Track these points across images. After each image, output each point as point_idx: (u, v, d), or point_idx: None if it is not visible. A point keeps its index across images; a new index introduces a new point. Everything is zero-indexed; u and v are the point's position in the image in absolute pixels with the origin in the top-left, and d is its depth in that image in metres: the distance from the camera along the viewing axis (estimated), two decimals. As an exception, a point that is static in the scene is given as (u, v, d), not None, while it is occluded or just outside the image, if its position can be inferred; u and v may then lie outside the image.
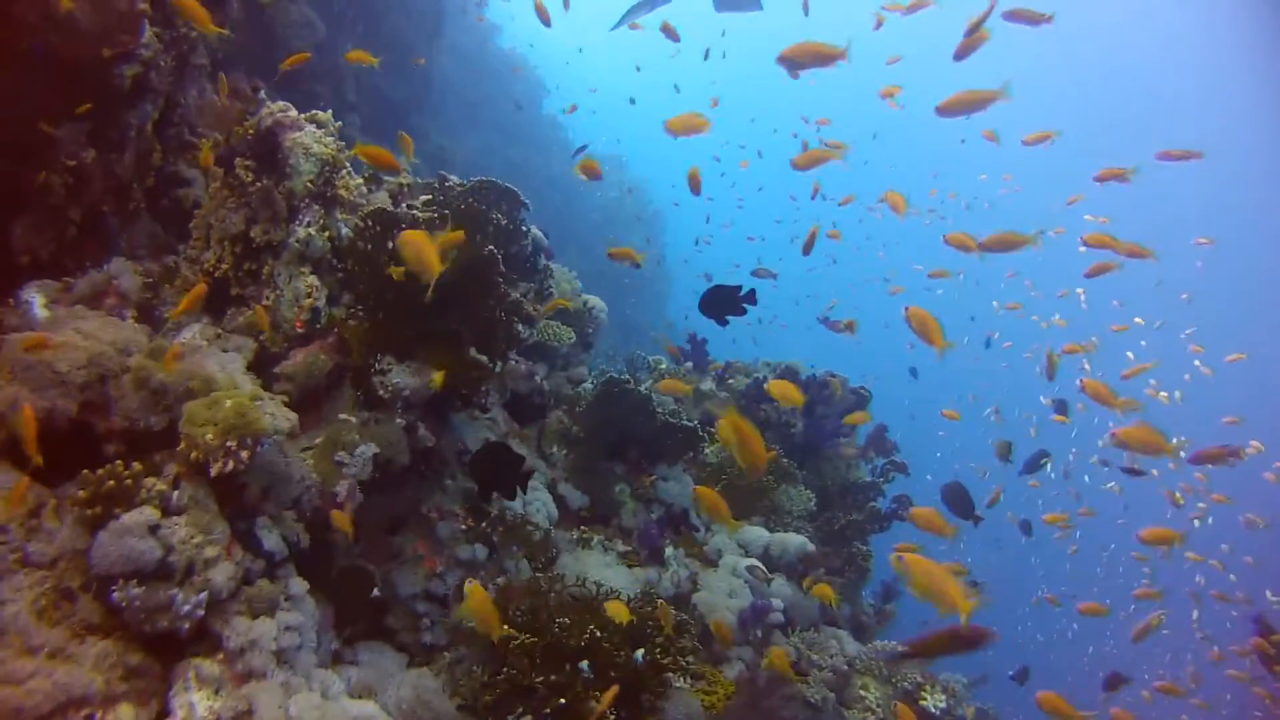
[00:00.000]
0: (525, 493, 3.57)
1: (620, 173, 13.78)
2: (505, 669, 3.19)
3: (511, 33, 12.13)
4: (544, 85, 11.58)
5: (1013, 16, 5.03)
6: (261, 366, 3.29)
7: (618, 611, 3.03)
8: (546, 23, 5.16)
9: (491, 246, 3.24)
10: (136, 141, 3.86)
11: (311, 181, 3.29)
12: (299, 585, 2.73)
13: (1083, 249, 5.25)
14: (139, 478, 2.41)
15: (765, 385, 3.78)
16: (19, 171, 3.34)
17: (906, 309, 3.30)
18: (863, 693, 4.46)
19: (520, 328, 3.59)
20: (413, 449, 3.46)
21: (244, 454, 2.48)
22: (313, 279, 3.32)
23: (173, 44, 3.96)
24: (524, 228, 3.76)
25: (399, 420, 3.36)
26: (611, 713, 2.88)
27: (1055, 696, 3.40)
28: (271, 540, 2.65)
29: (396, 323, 3.39)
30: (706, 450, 4.92)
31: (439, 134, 9.83)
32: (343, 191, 3.35)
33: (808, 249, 4.54)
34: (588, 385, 4.72)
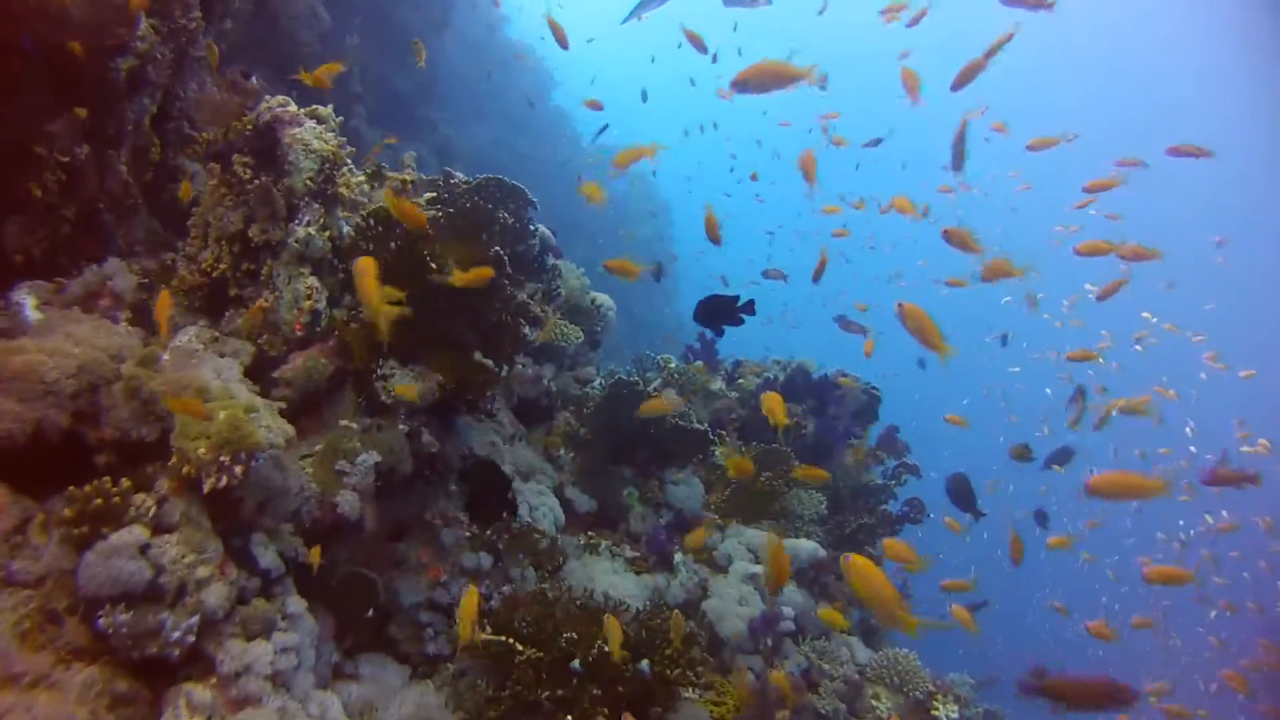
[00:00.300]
0: (513, 513, 3.45)
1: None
2: (511, 683, 3.07)
3: (520, 24, 11.90)
4: (552, 77, 11.35)
5: (1012, 1, 4.82)
6: (260, 370, 3.16)
7: (615, 635, 2.90)
8: (564, 46, 4.95)
9: (498, 248, 3.09)
10: (134, 136, 3.72)
11: (311, 179, 3.13)
12: (297, 603, 2.60)
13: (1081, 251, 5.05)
14: (128, 495, 2.28)
15: (760, 396, 3.59)
16: (10, 169, 3.20)
17: (899, 305, 2.93)
18: (874, 702, 4.33)
19: (527, 330, 3.44)
20: (416, 455, 3.32)
21: (238, 469, 2.34)
22: (313, 280, 3.18)
23: (170, 36, 3.80)
24: (531, 226, 3.60)
25: (402, 426, 3.22)
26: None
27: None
28: (267, 557, 2.52)
29: (400, 325, 3.24)
30: (717, 452, 4.77)
31: (446, 125, 9.65)
32: (344, 189, 3.19)
33: (817, 276, 4.35)
34: (596, 386, 4.57)
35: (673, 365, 5.27)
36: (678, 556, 4.23)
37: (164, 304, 2.48)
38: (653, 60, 9.26)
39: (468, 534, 3.55)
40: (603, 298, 4.82)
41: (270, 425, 2.45)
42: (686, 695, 3.42)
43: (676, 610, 3.26)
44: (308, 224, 3.14)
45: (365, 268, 2.47)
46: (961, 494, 4.87)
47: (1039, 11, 4.70)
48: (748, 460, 4.28)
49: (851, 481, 5.37)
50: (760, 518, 4.72)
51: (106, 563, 2.17)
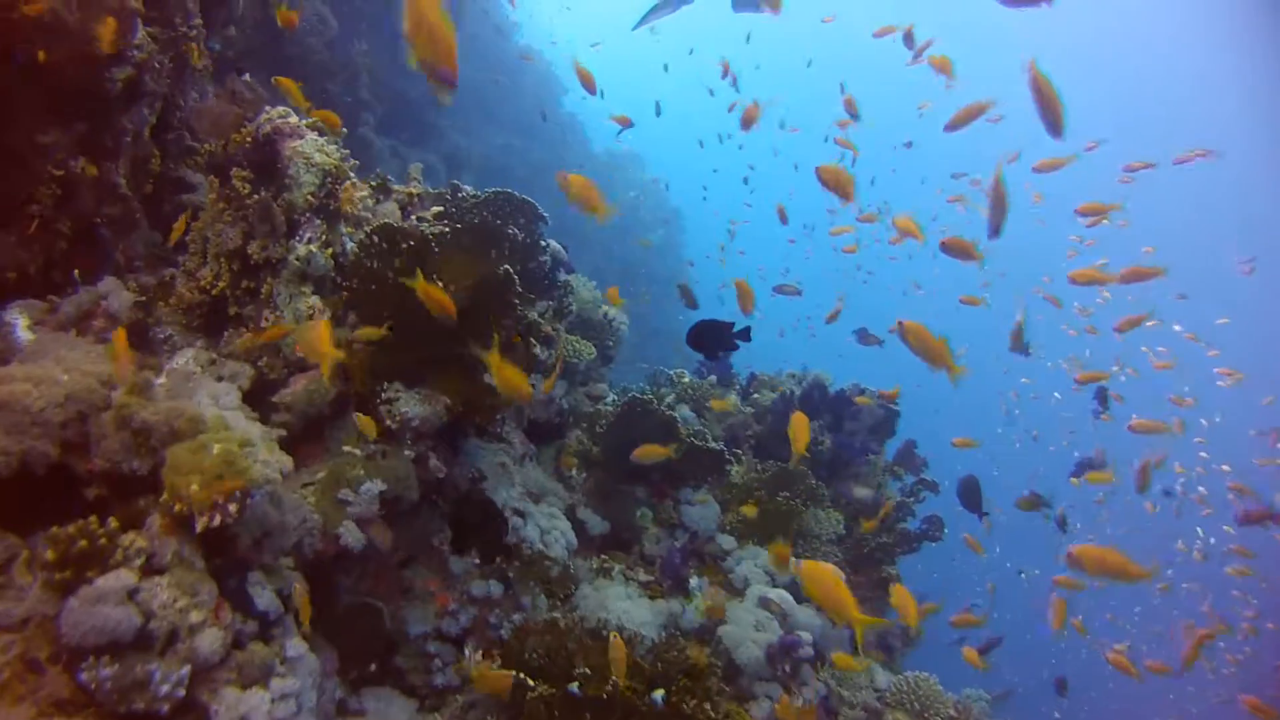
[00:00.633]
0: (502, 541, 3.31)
1: (640, 171, 13.38)
2: (522, 718, 2.91)
3: (530, 30, 11.73)
4: (562, 83, 11.18)
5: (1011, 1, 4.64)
6: (260, 394, 3.00)
7: (619, 659, 2.76)
8: (592, 91, 4.81)
9: (507, 266, 2.92)
10: (133, 148, 3.56)
11: (312, 194, 2.97)
12: (296, 646, 2.44)
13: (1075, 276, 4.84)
14: (115, 536, 2.12)
15: (791, 419, 3.43)
16: (2, 183, 3.05)
17: (900, 322, 2.79)
18: (896, 730, 4.14)
19: (539, 350, 3.27)
20: (423, 481, 3.15)
21: (232, 507, 2.18)
22: (314, 299, 3.02)
23: (170, 44, 3.65)
24: (542, 242, 3.43)
25: (408, 452, 3.06)
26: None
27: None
28: (264, 598, 2.35)
29: (405, 346, 3.08)
30: (733, 471, 4.59)
31: (455, 132, 9.49)
32: (346, 205, 3.03)
33: (832, 319, 4.21)
34: (609, 402, 4.40)
35: (686, 380, 5.09)
36: (693, 580, 4.05)
37: (120, 343, 2.30)
38: (665, 69, 9.07)
39: (477, 561, 3.39)
40: (614, 311, 4.65)
41: (267, 460, 2.29)
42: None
43: (691, 645, 3.08)
44: (309, 241, 2.98)
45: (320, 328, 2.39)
46: (969, 496, 4.87)
47: (1039, 7, 4.54)
48: (753, 507, 4.21)
49: (878, 484, 5.18)
50: (777, 538, 4.53)
51: (91, 610, 2.00)
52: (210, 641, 2.16)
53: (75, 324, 2.93)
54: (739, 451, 4.66)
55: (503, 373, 2.57)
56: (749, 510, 4.13)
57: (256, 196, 2.96)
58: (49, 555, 2.03)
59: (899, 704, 4.37)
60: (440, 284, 3.02)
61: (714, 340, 3.25)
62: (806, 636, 4.08)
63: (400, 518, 3.17)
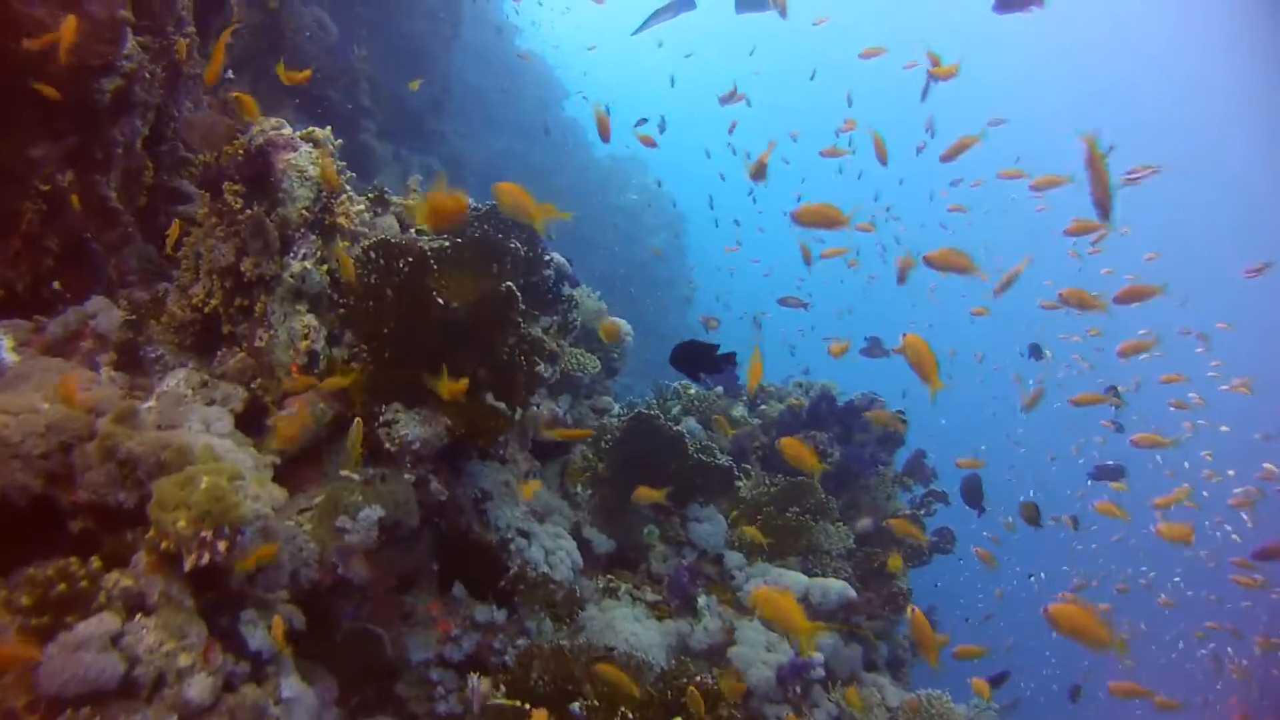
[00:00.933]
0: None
1: (642, 175, 13.22)
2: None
3: (532, 36, 11.59)
4: (564, 86, 11.04)
5: (1004, 8, 4.50)
6: (254, 417, 2.87)
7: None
8: (606, 139, 4.67)
9: (509, 283, 2.78)
10: (124, 160, 3.44)
11: (307, 209, 2.84)
12: (293, 685, 2.30)
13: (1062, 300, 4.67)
14: (97, 577, 1.98)
15: (778, 443, 3.37)
16: (-14, 199, 2.93)
17: (904, 337, 2.88)
18: (910, 753, 4.01)
19: (542, 368, 3.14)
20: (424, 505, 3.02)
21: (221, 545, 2.05)
22: (310, 318, 2.88)
23: (162, 53, 3.52)
24: (546, 255, 3.29)
25: (408, 476, 2.92)
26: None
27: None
28: (258, 638, 2.22)
29: (404, 366, 2.95)
30: (741, 486, 4.46)
31: (457, 137, 9.35)
32: (342, 219, 2.90)
33: (838, 355, 4.11)
34: (614, 415, 4.27)
35: (692, 392, 4.95)
36: (701, 599, 3.92)
37: (69, 386, 2.15)
38: (672, 83, 8.91)
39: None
40: (620, 323, 4.51)
41: (258, 494, 2.15)
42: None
43: (704, 678, 2.94)
44: (303, 257, 2.84)
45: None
46: (971, 493, 4.97)
47: (1030, 11, 4.39)
48: (757, 531, 4.09)
49: (879, 512, 5.04)
50: (786, 554, 4.40)
51: (71, 657, 1.87)
52: (199, 687, 2.03)
53: (62, 345, 2.80)
54: (747, 466, 4.52)
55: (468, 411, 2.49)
56: (753, 533, 4.01)
57: (249, 212, 2.83)
58: (25, 600, 1.89)
59: (911, 723, 4.25)
60: (440, 298, 2.89)
61: (696, 362, 3.12)
62: (818, 657, 3.95)
63: (400, 543, 3.04)
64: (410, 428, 2.89)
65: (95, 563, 2.01)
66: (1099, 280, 5.77)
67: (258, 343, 2.93)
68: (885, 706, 4.32)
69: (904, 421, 5.38)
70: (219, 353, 2.99)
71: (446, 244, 2.96)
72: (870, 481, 5.04)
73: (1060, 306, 4.58)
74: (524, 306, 2.83)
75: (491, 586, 3.24)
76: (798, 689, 3.90)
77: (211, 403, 2.78)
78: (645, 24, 4.98)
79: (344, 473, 2.86)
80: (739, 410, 4.97)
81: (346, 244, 3.06)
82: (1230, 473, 9.59)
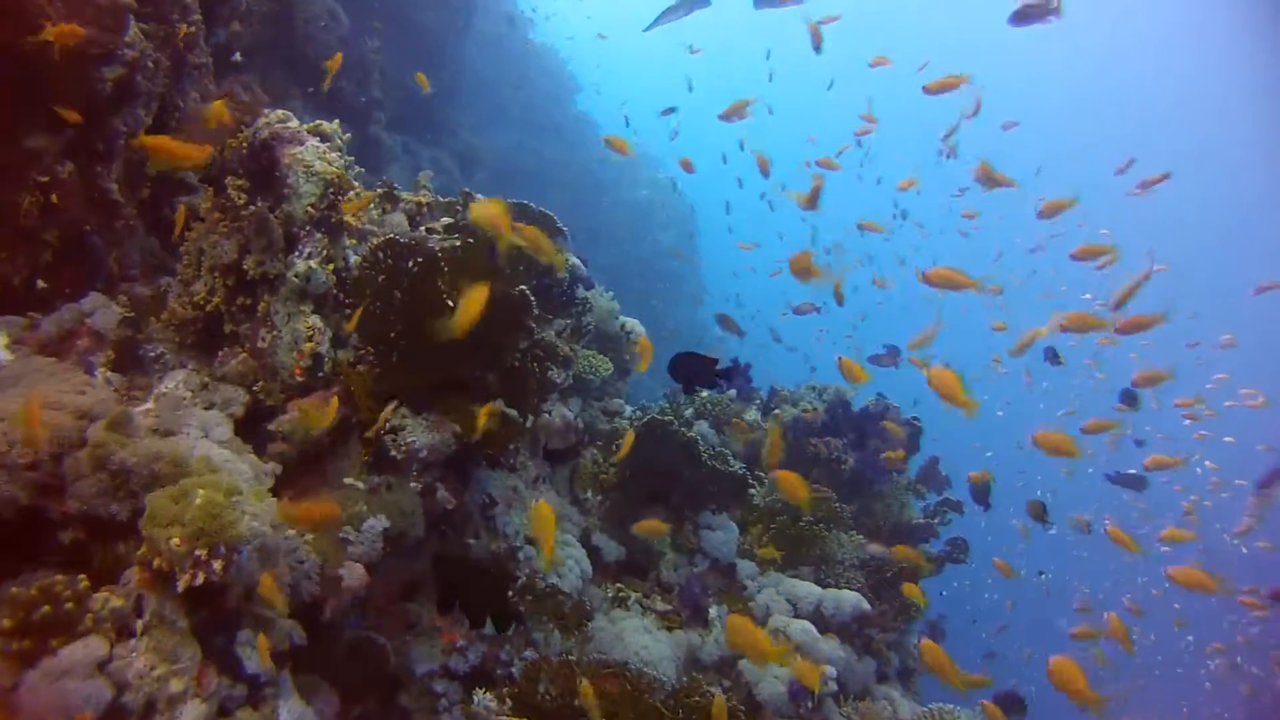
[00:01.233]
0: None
1: (653, 171, 13.00)
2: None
3: (545, 31, 11.38)
4: (575, 80, 10.83)
5: (1020, 20, 4.35)
6: (255, 421, 2.73)
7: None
8: (624, 151, 4.56)
9: (523, 286, 2.63)
10: (127, 150, 3.28)
11: (313, 206, 2.68)
12: (291, 708, 2.17)
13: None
14: (83, 598, 1.85)
15: (774, 476, 3.30)
16: (-19, 190, 2.78)
17: (929, 372, 2.97)
18: (922, 767, 3.87)
19: (555, 373, 2.99)
20: (430, 513, 2.88)
21: (216, 564, 1.91)
22: (314, 319, 2.73)
23: (166, 41, 3.36)
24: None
25: (414, 484, 2.78)
26: None
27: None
28: (254, 660, 2.08)
29: (411, 369, 2.80)
30: (753, 492, 4.30)
31: (468, 131, 9.17)
32: (350, 217, 2.74)
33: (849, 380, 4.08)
34: (626, 417, 4.12)
35: (705, 395, 4.79)
36: (713, 610, 3.78)
37: (31, 410, 1.99)
38: (690, 89, 8.68)
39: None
40: (632, 323, 4.35)
41: (256, 511, 2.01)
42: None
43: (719, 696, 2.80)
44: (309, 256, 2.69)
45: None
46: (979, 492, 4.90)
47: (1047, 22, 4.18)
48: (771, 549, 3.95)
49: (892, 519, 4.89)
50: (799, 563, 4.25)
51: (55, 685, 1.74)
52: (192, 715, 1.90)
53: (57, 343, 2.66)
54: (761, 474, 4.37)
55: None
56: (767, 553, 3.87)
57: (253, 208, 2.68)
58: (5, 623, 1.76)
59: (924, 737, 4.11)
60: (449, 301, 2.74)
61: (693, 375, 2.96)
62: (830, 671, 3.81)
63: (406, 551, 2.90)
64: (418, 434, 2.75)
65: (82, 582, 1.87)
66: (1107, 281, 5.59)
67: (260, 343, 2.79)
68: (897, 719, 4.18)
69: (919, 429, 5.22)
70: (220, 353, 2.85)
71: (458, 243, 2.80)
72: (884, 489, 4.88)
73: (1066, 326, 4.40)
74: (537, 310, 2.68)
75: (499, 597, 3.10)
76: (810, 704, 3.76)
77: (211, 406, 2.65)
78: (657, 21, 4.81)
79: (348, 481, 2.72)
80: (752, 414, 4.82)
81: (354, 242, 2.92)
82: (1239, 482, 9.40)
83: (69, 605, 1.82)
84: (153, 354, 2.89)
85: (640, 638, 3.49)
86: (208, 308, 2.85)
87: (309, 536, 2.53)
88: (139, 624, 1.95)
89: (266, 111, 2.79)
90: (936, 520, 4.93)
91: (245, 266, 2.73)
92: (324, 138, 2.78)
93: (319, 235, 2.71)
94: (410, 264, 2.63)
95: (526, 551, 3.38)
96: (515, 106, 10.21)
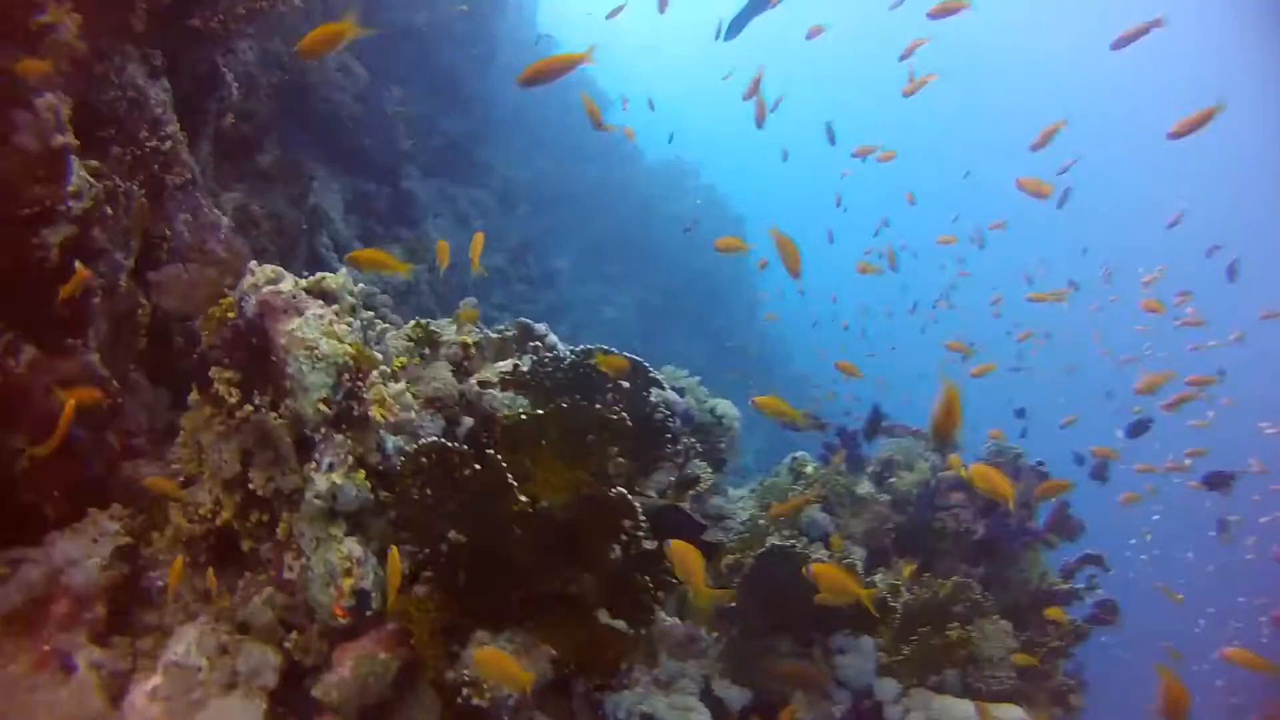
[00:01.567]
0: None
1: (695, 180, 11.86)
2: None
3: (569, 46, 10.23)
4: (606, 96, 9.73)
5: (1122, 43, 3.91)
6: (294, 682, 1.90)
7: None
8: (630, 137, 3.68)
9: (621, 488, 1.71)
10: (106, 307, 2.43)
11: (325, 401, 1.80)
12: None
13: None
14: None
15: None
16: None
17: (972, 470, 2.47)
18: None
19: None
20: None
21: None
22: (351, 546, 1.87)
23: (139, 164, 2.49)
24: (657, 414, 2.20)
25: (504, 740, 1.92)
26: None
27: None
28: None
29: (484, 589, 1.93)
30: (878, 583, 3.36)
31: (504, 165, 8.20)
32: (377, 411, 1.85)
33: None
34: (732, 531, 3.21)
35: (810, 469, 3.84)
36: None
37: None
38: (727, 77, 7.57)
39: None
40: (724, 405, 3.41)
41: None
42: None
43: None
44: (329, 469, 1.82)
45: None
46: (1099, 469, 4.67)
47: (1150, 34, 3.86)
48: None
49: (1031, 588, 3.90)
50: (942, 670, 3.32)
51: None
52: None
53: (23, 621, 1.85)
54: (894, 562, 3.43)
55: None
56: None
57: (249, 409, 1.80)
58: None
59: None
60: (523, 498, 1.84)
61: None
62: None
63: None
64: (500, 672, 1.87)
65: None
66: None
67: (287, 573, 1.94)
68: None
69: (1044, 472, 4.18)
70: (241, 582, 2.02)
71: (524, 417, 1.89)
72: (1019, 555, 3.89)
73: None
74: (642, 519, 1.76)
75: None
76: None
77: (234, 685, 1.81)
78: (734, 29, 3.92)
79: (419, 755, 1.87)
80: (865, 487, 3.85)
81: (383, 414, 2.02)
82: (1255, 497, 8.36)
83: None
84: (159, 584, 2.08)
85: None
86: (217, 521, 2.02)
87: None
88: None
89: (252, 269, 1.90)
90: (1084, 588, 3.91)
91: (252, 484, 1.87)
92: (328, 298, 1.88)
93: (339, 438, 1.82)
94: (466, 474, 1.73)
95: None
96: (547, 131, 9.17)
